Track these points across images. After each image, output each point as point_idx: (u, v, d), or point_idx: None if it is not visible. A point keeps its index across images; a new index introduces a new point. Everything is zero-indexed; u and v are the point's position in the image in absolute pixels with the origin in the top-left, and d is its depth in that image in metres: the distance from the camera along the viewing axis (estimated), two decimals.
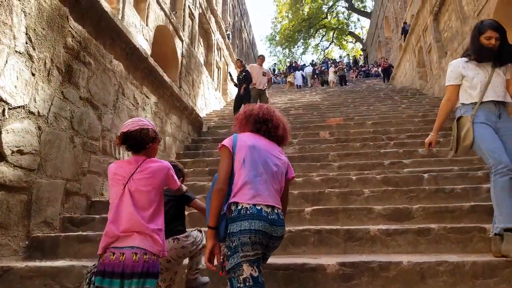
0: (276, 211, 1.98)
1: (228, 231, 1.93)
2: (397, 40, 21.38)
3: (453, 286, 2.60)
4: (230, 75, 11.43)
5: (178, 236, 2.58)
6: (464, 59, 3.06)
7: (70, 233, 3.80)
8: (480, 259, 2.66)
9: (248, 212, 1.90)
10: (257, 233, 1.87)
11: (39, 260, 3.41)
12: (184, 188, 2.51)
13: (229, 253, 1.90)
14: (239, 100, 9.51)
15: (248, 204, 1.92)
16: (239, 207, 1.93)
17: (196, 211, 3.23)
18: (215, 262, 1.98)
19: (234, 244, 1.88)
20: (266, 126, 2.19)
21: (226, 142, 2.11)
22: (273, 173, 2.06)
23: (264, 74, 9.91)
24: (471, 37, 3.02)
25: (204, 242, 2.69)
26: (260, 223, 1.88)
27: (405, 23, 20.05)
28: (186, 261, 2.75)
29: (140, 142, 2.10)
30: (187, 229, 2.73)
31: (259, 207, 1.92)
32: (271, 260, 2.92)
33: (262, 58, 10.40)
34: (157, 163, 2.12)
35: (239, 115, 2.30)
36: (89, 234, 3.73)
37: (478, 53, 2.95)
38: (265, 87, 9.86)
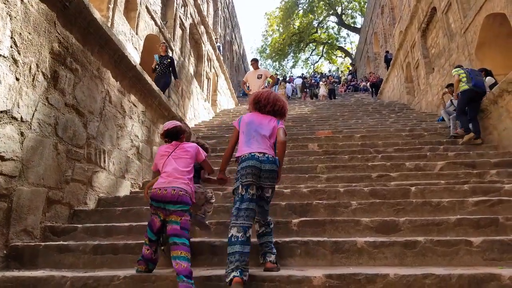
0: (266, 155, 3.08)
1: (236, 170, 3.14)
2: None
3: None
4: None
5: (196, 185, 3.52)
6: None
7: (51, 243, 3.70)
8: (467, 272, 2.65)
9: (246, 157, 3.07)
10: (249, 167, 3.00)
11: (17, 270, 3.29)
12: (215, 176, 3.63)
13: (235, 181, 3.10)
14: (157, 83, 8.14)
15: (246, 154, 3.09)
16: (242, 156, 3.11)
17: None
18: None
19: (237, 176, 3.08)
20: (259, 106, 3.36)
21: (235, 123, 3.40)
22: (262, 136, 3.18)
23: (259, 77, 9.17)
24: None
25: (213, 199, 3.80)
26: (252, 161, 3.03)
27: (387, 52, 20.53)
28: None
29: (175, 134, 3.32)
30: (207, 189, 3.76)
31: (253, 153, 3.07)
32: (256, 272, 2.89)
33: (253, 62, 9.63)
34: (189, 144, 3.36)
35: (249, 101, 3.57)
36: (70, 244, 3.63)
37: None
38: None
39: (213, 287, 2.75)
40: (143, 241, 3.18)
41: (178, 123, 3.42)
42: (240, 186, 3.00)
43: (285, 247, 3.38)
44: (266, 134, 3.19)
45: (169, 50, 9.64)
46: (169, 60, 9.16)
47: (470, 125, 7.35)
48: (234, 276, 2.57)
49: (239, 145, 3.23)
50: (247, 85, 9.68)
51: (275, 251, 3.16)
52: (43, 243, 3.64)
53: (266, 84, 9.37)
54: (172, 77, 9.32)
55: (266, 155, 3.07)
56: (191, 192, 3.09)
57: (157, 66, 9.03)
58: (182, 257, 2.76)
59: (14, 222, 3.53)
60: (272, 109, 3.32)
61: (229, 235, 2.83)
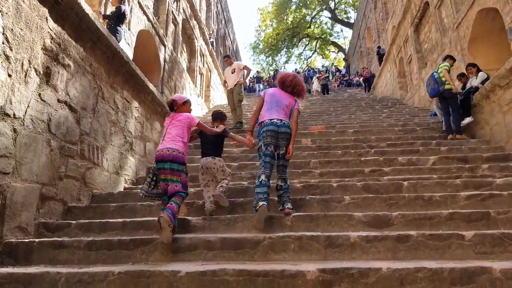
0: (282, 121, 4.12)
1: (259, 132, 4.19)
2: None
3: None
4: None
5: (216, 157, 4.47)
6: None
7: (45, 239, 3.69)
8: (458, 265, 2.69)
9: (267, 123, 4.11)
10: (269, 131, 4.07)
11: (12, 267, 3.29)
12: (220, 129, 4.49)
13: (259, 141, 4.16)
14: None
15: (267, 120, 4.14)
16: (264, 122, 4.15)
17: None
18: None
19: (260, 137, 4.14)
20: (283, 85, 4.40)
21: (262, 93, 4.47)
22: (283, 106, 4.24)
23: (233, 71, 9.23)
24: None
25: (228, 171, 4.60)
26: (271, 126, 4.07)
27: (379, 47, 20.63)
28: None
29: (172, 106, 4.07)
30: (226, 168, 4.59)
31: (272, 120, 4.11)
32: (251, 266, 2.91)
33: (226, 59, 9.59)
34: (183, 115, 3.99)
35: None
36: (65, 240, 3.63)
37: None
38: (235, 86, 9.19)
39: (208, 282, 2.77)
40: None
41: (179, 95, 4.19)
42: (263, 145, 4.09)
43: (279, 241, 3.41)
44: (285, 106, 4.24)
45: (124, 1, 7.60)
46: (115, 10, 7.16)
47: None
48: (262, 204, 3.74)
49: (262, 112, 4.27)
50: (227, 84, 9.68)
51: (291, 201, 4.11)
52: (37, 240, 3.63)
53: (242, 77, 9.40)
54: (122, 30, 7.33)
55: (283, 121, 4.13)
56: (183, 151, 3.76)
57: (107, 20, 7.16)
58: (174, 201, 3.56)
59: (8, 219, 3.51)
60: (291, 91, 4.38)
61: (259, 180, 3.96)
